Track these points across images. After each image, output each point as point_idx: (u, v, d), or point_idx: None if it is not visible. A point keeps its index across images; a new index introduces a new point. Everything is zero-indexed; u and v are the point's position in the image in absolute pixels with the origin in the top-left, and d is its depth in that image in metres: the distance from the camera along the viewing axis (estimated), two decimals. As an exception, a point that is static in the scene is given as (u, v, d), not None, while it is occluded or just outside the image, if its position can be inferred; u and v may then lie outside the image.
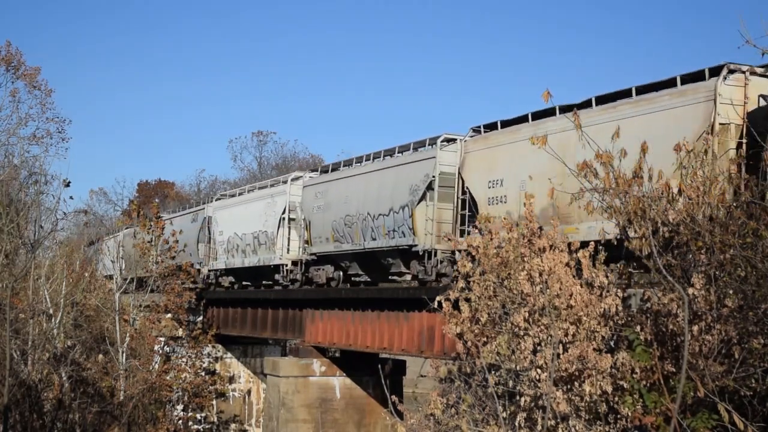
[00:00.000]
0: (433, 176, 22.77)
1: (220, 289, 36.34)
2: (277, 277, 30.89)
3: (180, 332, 34.39)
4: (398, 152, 25.70)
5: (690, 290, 10.94)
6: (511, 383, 12.48)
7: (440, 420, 13.55)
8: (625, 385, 11.27)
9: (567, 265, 12.51)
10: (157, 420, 28.86)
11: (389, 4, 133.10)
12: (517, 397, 12.30)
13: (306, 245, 29.18)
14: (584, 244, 12.76)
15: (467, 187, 21.59)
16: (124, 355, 26.89)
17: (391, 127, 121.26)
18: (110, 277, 32.48)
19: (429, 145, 23.87)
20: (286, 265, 30.25)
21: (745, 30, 9.83)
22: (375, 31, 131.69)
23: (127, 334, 27.74)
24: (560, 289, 12.15)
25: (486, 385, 12.73)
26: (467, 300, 13.34)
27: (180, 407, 32.96)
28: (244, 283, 35.30)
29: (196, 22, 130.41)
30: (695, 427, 10.48)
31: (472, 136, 22.40)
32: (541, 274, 12.36)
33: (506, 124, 21.33)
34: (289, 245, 30.40)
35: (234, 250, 34.43)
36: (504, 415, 12.30)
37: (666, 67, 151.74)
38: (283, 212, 30.67)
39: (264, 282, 33.31)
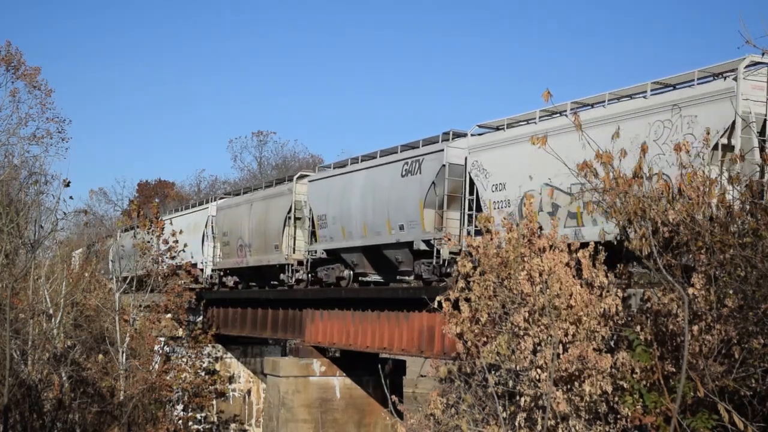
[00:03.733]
0: None
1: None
2: None
3: (180, 332, 34.39)
4: None
5: (690, 290, 10.94)
6: (511, 383, 12.48)
7: (440, 420, 13.55)
8: (625, 385, 11.27)
9: (567, 265, 12.51)
10: (157, 420, 28.85)
11: (389, 4, 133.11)
12: (517, 397, 12.30)
13: None
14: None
15: None
16: (124, 355, 26.88)
17: (391, 127, 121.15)
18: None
19: None
20: None
21: (745, 30, 9.79)
22: (375, 31, 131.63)
23: (127, 334, 27.74)
24: (560, 289, 12.16)
25: (486, 385, 12.73)
26: (467, 300, 13.34)
27: (180, 407, 32.95)
28: None
29: (196, 22, 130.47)
30: (695, 427, 10.48)
31: None
32: (541, 274, 12.36)
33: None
34: None
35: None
36: (504, 415, 12.30)
37: (665, 66, 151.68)
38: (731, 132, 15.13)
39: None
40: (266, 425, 30.38)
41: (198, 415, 34.06)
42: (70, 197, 45.71)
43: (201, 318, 36.02)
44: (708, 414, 10.47)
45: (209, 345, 35.15)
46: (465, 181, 21.58)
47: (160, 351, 32.86)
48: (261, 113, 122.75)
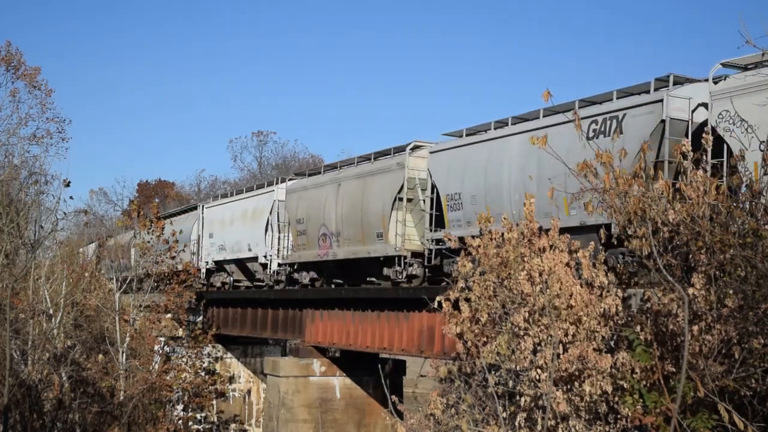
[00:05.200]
0: None
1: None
2: None
3: (180, 332, 34.40)
4: None
5: (690, 290, 10.93)
6: (511, 383, 12.46)
7: (440, 420, 13.54)
8: (625, 385, 11.27)
9: (567, 265, 12.50)
10: (157, 420, 28.87)
11: (389, 4, 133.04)
12: (517, 397, 12.28)
13: None
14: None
15: None
16: (124, 355, 26.89)
17: (391, 127, 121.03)
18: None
19: None
20: None
21: (745, 30, 9.76)
22: (375, 31, 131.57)
23: (127, 334, 27.74)
24: (560, 289, 12.14)
25: (486, 385, 12.71)
26: (467, 300, 13.33)
27: (180, 407, 32.97)
28: None
29: (196, 22, 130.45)
30: (695, 427, 10.47)
31: None
32: (541, 274, 12.35)
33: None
34: None
35: None
36: (504, 415, 12.28)
37: (666, 67, 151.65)
38: None
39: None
40: (266, 425, 30.38)
41: (198, 415, 34.08)
42: (70, 197, 45.87)
43: (201, 318, 36.00)
44: (708, 414, 10.47)
45: (209, 345, 35.15)
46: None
47: (160, 351, 32.86)
48: (261, 113, 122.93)
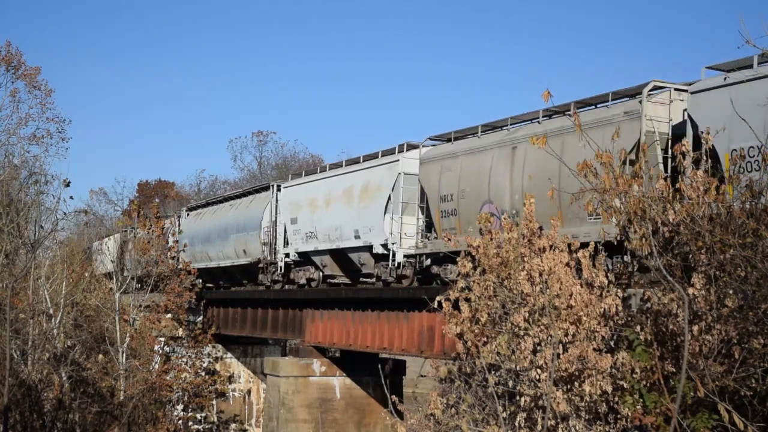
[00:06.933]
0: None
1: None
2: None
3: (180, 332, 34.41)
4: None
5: (690, 290, 10.93)
6: (511, 383, 12.47)
7: (440, 420, 13.54)
8: (625, 385, 11.27)
9: (567, 265, 12.50)
10: (157, 420, 28.90)
11: (389, 4, 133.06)
12: (517, 397, 12.29)
13: None
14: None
15: None
16: (124, 355, 26.91)
17: (391, 127, 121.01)
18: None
19: None
20: None
21: (745, 30, 9.75)
22: (374, 31, 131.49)
23: (127, 334, 27.76)
24: (560, 289, 12.15)
25: (486, 385, 12.72)
26: (467, 300, 13.34)
27: (180, 407, 32.98)
28: None
29: (196, 22, 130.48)
30: (695, 427, 10.48)
31: None
32: (541, 274, 12.35)
33: None
34: None
35: None
36: (504, 415, 12.29)
37: (665, 67, 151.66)
38: None
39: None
40: (266, 425, 30.41)
41: (198, 415, 34.10)
42: (70, 197, 45.77)
43: (201, 318, 36.00)
44: (708, 414, 10.47)
45: (209, 345, 35.16)
46: None
47: (160, 351, 32.88)
48: (261, 113, 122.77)
